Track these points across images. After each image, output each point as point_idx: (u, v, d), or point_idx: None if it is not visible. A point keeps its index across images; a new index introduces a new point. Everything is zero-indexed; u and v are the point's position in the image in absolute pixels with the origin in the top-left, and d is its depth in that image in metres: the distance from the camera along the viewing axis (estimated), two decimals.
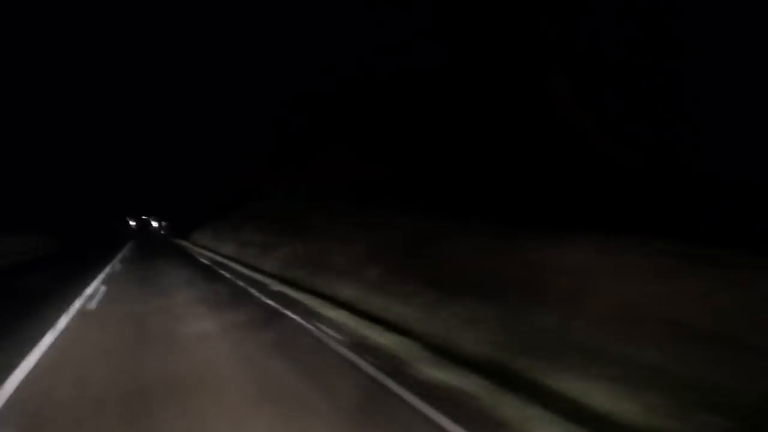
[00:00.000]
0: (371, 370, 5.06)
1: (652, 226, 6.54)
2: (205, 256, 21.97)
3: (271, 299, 9.44)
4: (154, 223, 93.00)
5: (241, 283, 11.90)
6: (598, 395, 4.17)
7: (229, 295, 10.06)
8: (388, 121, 15.37)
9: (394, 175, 14.44)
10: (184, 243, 37.61)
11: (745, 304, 4.64)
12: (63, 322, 7.61)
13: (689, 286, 5.07)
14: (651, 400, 3.97)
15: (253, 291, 10.59)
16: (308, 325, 7.10)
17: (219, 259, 20.59)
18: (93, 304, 9.16)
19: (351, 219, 13.49)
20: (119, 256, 23.17)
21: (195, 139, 51.69)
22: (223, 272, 14.75)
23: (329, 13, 19.36)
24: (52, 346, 6.19)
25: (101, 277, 13.90)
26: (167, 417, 3.94)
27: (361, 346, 5.95)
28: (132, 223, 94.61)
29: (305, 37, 24.10)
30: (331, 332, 6.66)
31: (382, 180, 15.16)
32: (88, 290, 11.01)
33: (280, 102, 25.77)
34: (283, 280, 12.22)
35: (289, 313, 8.02)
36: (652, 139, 7.60)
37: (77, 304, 9.15)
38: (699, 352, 4.29)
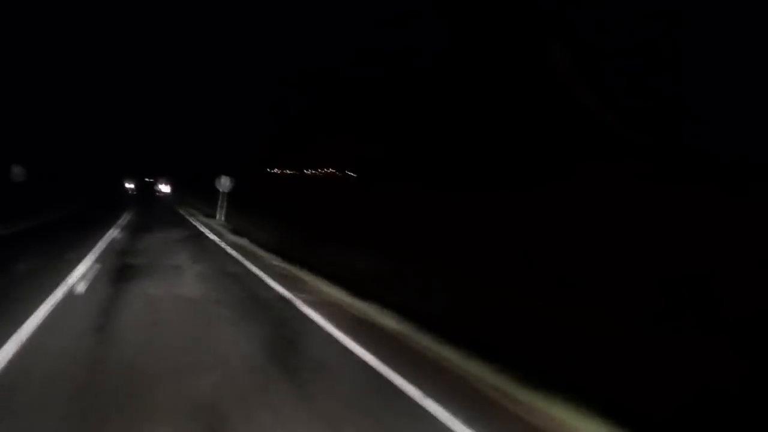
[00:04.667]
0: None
1: None
2: None
3: None
4: (165, 188, 67.72)
5: None
6: None
7: None
8: (388, 102, 15.22)
9: (392, 153, 14.60)
10: None
11: None
12: None
13: None
14: None
15: None
16: None
17: None
18: None
19: None
20: None
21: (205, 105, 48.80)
22: None
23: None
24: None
25: None
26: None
27: None
28: (129, 186, 69.93)
29: (309, 16, 23.81)
30: None
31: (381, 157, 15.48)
32: None
33: (282, 83, 25.79)
34: None
35: None
36: (656, 116, 7.43)
37: None
38: None
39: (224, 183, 22.52)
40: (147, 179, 74.44)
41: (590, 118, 8.34)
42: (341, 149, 23.07)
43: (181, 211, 32.26)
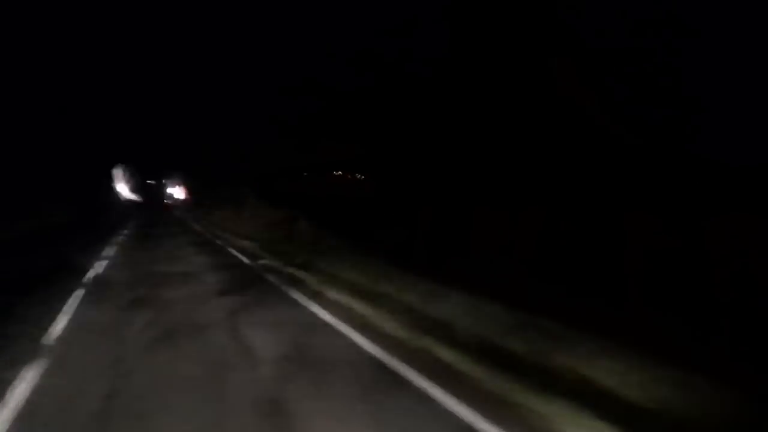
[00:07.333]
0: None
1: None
2: None
3: None
4: (178, 194, 45.88)
5: None
6: None
7: None
8: (392, 109, 15.33)
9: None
10: None
11: None
12: None
13: None
14: None
15: None
16: None
17: None
18: None
19: None
20: None
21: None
22: None
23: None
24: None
25: None
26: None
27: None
28: (127, 195, 50.18)
29: (303, 23, 24.29)
30: None
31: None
32: None
33: (281, 92, 26.74)
34: None
35: None
36: (656, 122, 7.43)
37: None
38: None
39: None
40: (149, 180, 54.03)
41: (592, 123, 8.37)
42: (344, 152, 23.37)
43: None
